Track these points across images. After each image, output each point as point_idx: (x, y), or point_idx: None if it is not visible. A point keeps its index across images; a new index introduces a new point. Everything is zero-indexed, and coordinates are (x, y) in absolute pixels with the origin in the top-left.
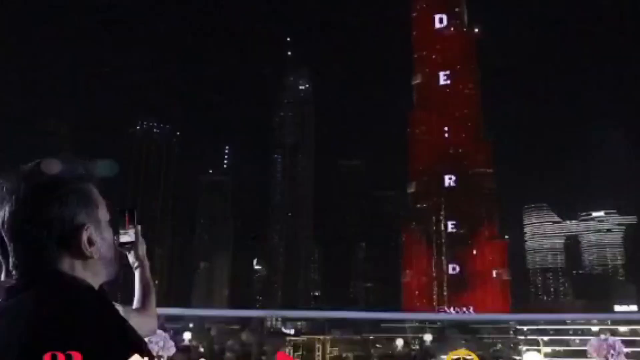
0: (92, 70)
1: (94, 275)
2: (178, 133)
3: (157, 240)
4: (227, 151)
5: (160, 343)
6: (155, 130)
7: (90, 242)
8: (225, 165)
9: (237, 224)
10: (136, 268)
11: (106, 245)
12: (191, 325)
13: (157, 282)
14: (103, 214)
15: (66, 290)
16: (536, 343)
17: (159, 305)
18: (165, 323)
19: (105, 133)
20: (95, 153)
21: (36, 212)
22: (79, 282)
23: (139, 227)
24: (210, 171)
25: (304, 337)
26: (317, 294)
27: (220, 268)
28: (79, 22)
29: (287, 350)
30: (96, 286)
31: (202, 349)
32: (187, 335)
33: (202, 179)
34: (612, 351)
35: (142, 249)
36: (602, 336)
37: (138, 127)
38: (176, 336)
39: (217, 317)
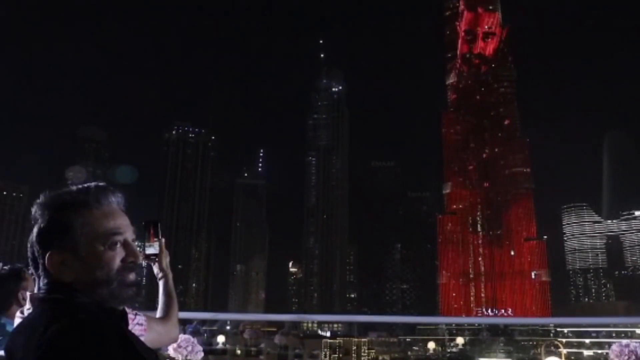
0: (127, 75)
1: (111, 296)
2: (213, 137)
3: (193, 244)
4: (261, 154)
5: (189, 348)
6: (190, 134)
7: (61, 265)
8: (260, 169)
9: (273, 227)
10: (160, 279)
11: (91, 268)
12: (228, 327)
13: (194, 285)
14: (88, 239)
15: (62, 308)
16: (572, 346)
17: (197, 308)
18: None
19: (142, 138)
20: (132, 158)
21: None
22: (79, 301)
23: (163, 239)
24: (246, 174)
25: (340, 340)
26: (353, 295)
27: (256, 271)
28: (113, 27)
29: (323, 352)
30: (117, 306)
31: (238, 352)
32: (220, 339)
33: (238, 182)
34: (633, 357)
35: (166, 260)
36: (624, 341)
37: (174, 132)
38: (211, 339)
39: (251, 320)
